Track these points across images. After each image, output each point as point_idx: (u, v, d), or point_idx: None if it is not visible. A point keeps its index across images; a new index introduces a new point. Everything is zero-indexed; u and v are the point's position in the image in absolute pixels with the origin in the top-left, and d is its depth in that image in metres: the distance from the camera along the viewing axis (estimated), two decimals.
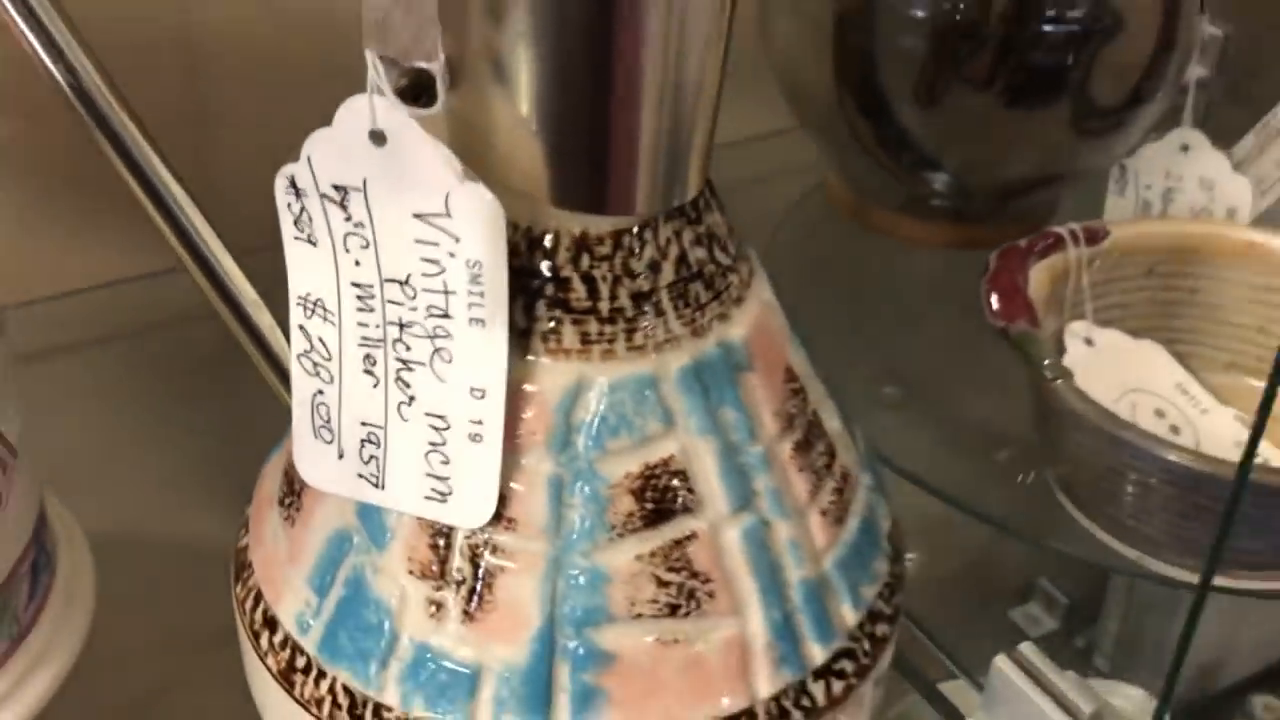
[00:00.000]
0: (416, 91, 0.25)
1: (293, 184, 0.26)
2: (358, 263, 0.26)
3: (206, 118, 0.54)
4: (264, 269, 0.29)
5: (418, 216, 0.25)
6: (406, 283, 0.26)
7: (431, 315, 0.26)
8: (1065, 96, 0.47)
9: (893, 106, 0.48)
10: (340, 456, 0.28)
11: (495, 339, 0.25)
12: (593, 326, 0.26)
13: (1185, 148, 0.52)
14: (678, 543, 0.27)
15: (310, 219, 0.26)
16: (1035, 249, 0.42)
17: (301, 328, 0.27)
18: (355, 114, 0.25)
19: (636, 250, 0.26)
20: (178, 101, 0.54)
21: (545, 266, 0.26)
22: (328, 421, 0.28)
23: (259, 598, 0.30)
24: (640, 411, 0.27)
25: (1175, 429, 0.44)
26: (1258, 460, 0.37)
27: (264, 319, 0.28)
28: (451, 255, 0.25)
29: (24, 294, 0.52)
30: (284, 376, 0.29)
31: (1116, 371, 0.44)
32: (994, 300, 0.40)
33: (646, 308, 0.27)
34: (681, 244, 0.27)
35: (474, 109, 0.25)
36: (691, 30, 0.25)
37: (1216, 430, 0.45)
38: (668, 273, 0.27)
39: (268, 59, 0.53)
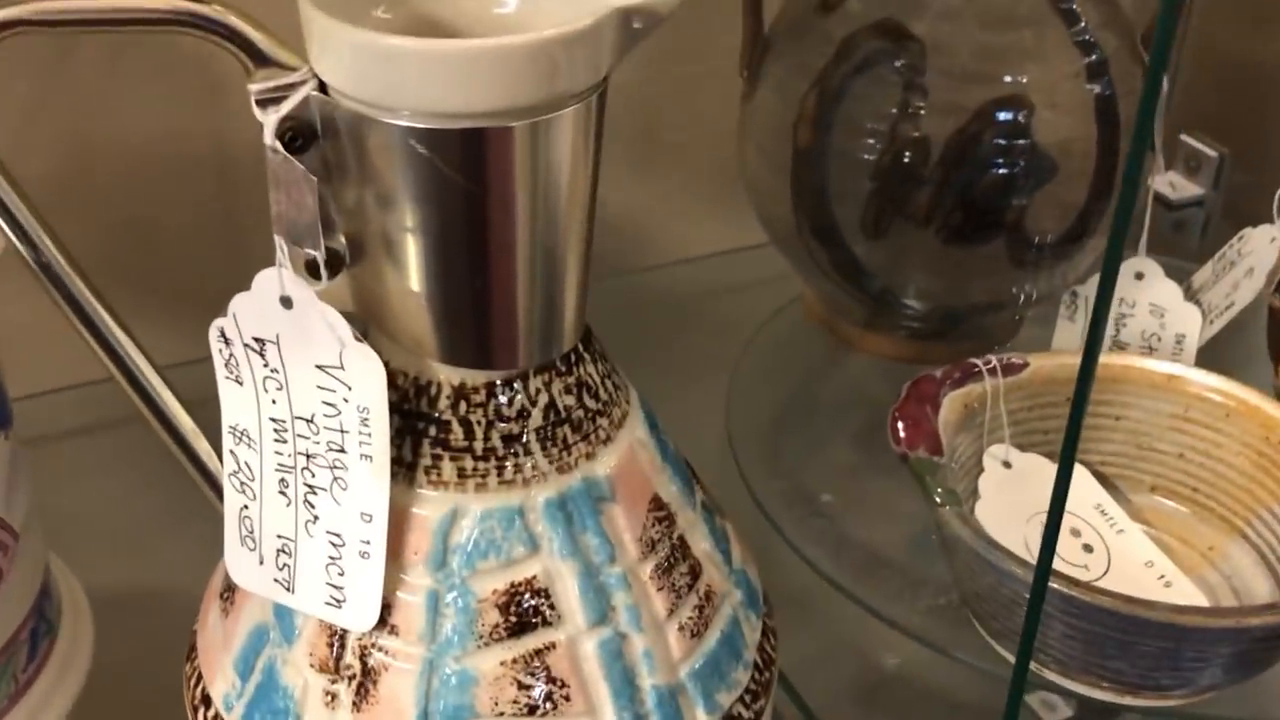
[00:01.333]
0: (328, 261, 0.30)
1: (223, 334, 0.31)
2: (274, 401, 0.31)
3: (239, 225, 0.60)
4: None
5: (319, 367, 0.30)
6: (311, 421, 0.31)
7: (331, 449, 0.31)
8: (1001, 235, 0.50)
9: (845, 237, 0.51)
10: (261, 563, 0.32)
11: (379, 473, 0.30)
12: (468, 463, 0.31)
13: (1139, 275, 0.55)
14: (538, 652, 0.31)
15: (237, 363, 0.31)
16: (950, 379, 0.45)
17: (232, 452, 0.32)
18: (268, 282, 0.30)
19: (508, 399, 0.31)
20: (212, 211, 0.60)
21: (429, 411, 0.31)
22: (251, 532, 0.32)
23: (200, 676, 0.35)
24: (508, 537, 0.31)
25: (1089, 547, 0.47)
26: (1098, 581, 0.40)
27: (202, 445, 0.33)
28: (345, 400, 0.30)
29: (53, 383, 0.58)
30: (216, 491, 0.34)
31: (1034, 492, 0.47)
32: (900, 428, 0.43)
33: (516, 448, 0.31)
34: (551, 393, 0.31)
35: (373, 280, 0.30)
36: (559, 218, 0.29)
37: (1130, 548, 0.47)
38: (536, 418, 0.31)
39: None
